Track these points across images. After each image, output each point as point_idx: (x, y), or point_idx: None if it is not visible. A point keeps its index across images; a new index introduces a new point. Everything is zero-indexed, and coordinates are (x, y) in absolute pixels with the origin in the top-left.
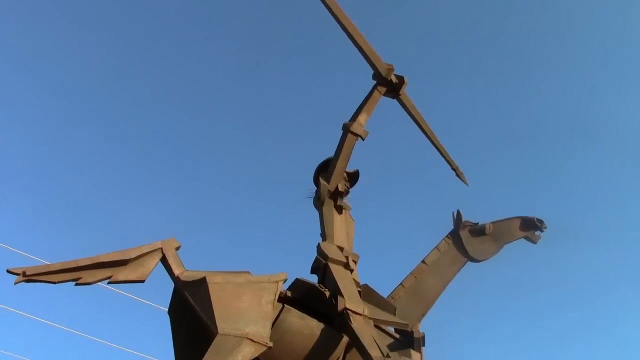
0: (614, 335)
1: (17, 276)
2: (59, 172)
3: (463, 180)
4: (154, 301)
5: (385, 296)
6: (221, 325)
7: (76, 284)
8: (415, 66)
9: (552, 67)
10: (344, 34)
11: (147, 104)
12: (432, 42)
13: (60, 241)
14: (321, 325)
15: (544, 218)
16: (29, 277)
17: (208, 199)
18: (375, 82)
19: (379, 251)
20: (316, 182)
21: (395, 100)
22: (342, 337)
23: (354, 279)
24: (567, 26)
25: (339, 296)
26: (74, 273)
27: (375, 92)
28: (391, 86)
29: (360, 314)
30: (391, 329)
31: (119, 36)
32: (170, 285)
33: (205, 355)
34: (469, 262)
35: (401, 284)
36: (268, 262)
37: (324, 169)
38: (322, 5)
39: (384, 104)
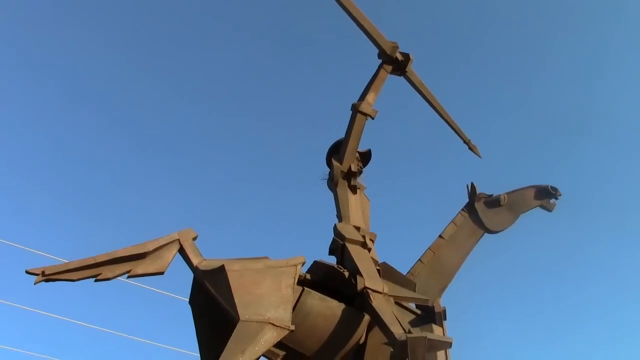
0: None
1: (37, 276)
2: (70, 171)
3: (476, 153)
4: (174, 292)
5: (404, 273)
6: (242, 311)
7: (96, 280)
8: (425, 42)
9: (564, 37)
10: (347, 15)
11: (155, 97)
12: (441, 17)
13: (77, 239)
14: (342, 306)
15: (558, 186)
16: (48, 277)
17: (222, 187)
18: (381, 61)
19: (396, 229)
20: (329, 164)
21: (402, 77)
22: (364, 316)
23: (372, 258)
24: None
25: (358, 276)
26: (93, 269)
27: (382, 71)
28: (397, 64)
29: (380, 292)
30: (412, 305)
31: (122, 31)
32: (190, 275)
33: (229, 342)
34: (486, 234)
35: (420, 259)
36: (286, 247)
37: (336, 151)
38: None
39: (392, 81)
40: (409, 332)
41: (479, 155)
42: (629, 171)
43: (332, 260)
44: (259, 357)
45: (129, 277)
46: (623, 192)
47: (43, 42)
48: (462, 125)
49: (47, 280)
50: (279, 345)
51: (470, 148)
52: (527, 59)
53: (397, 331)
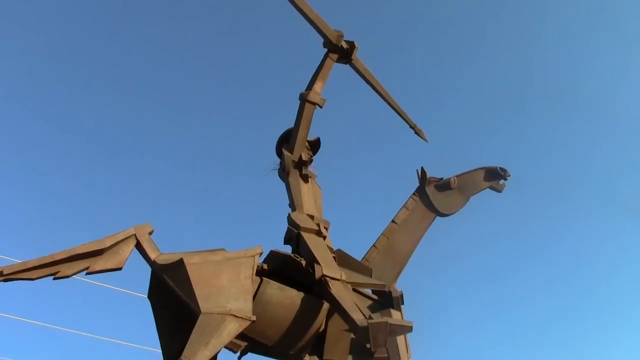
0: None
1: None
2: (19, 167)
3: (422, 137)
4: (132, 288)
5: (359, 259)
6: (203, 304)
7: (54, 278)
8: (365, 27)
9: (492, 16)
10: (292, 5)
11: (98, 83)
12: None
13: (31, 239)
14: (301, 295)
15: (506, 167)
16: (6, 276)
17: (173, 179)
18: (326, 50)
19: (349, 216)
20: (279, 153)
21: (348, 65)
22: (323, 304)
23: (327, 246)
24: None
25: (315, 264)
26: (52, 267)
27: (328, 60)
28: (342, 52)
29: (338, 279)
30: (368, 291)
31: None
32: (147, 271)
33: (191, 335)
34: (438, 217)
35: (374, 245)
36: (241, 238)
37: (286, 140)
38: None
39: (338, 69)
40: (370, 317)
41: (425, 139)
42: (572, 144)
43: (287, 250)
44: (222, 348)
45: (87, 274)
46: (568, 167)
47: None
48: (407, 110)
49: (5, 280)
50: (241, 336)
51: (416, 132)
52: (467, 39)
53: (358, 317)
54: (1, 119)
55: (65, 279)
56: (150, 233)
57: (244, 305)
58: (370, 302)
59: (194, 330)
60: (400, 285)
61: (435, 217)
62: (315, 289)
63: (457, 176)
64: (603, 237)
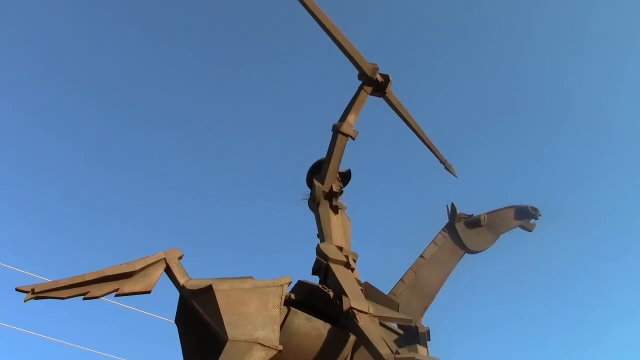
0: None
1: (27, 294)
2: (55, 191)
3: (452, 173)
4: (160, 313)
5: (386, 293)
6: (231, 331)
7: (84, 298)
8: (395, 63)
9: (532, 52)
10: (328, 36)
11: (137, 109)
12: (412, 38)
13: (64, 259)
14: (328, 326)
15: (537, 205)
16: (38, 294)
17: (204, 207)
18: (361, 82)
19: (377, 249)
20: (309, 184)
21: (382, 98)
22: (349, 336)
23: (355, 278)
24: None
25: (343, 296)
26: (82, 288)
27: (362, 92)
28: (377, 85)
29: (365, 312)
30: (394, 325)
31: (116, 37)
32: (175, 295)
33: None
34: (466, 254)
35: (401, 279)
36: (268, 267)
37: (317, 171)
38: (304, 9)
39: (371, 102)
40: (397, 352)
41: (454, 175)
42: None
43: (315, 280)
44: None
45: (116, 295)
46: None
47: None
48: (438, 144)
49: (36, 298)
50: None
51: (446, 168)
52: (501, 75)
53: (385, 352)
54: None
55: (94, 300)
56: (180, 258)
57: (271, 335)
58: (396, 336)
59: (220, 357)
60: (426, 322)
61: (464, 254)
62: (342, 321)
63: (487, 213)
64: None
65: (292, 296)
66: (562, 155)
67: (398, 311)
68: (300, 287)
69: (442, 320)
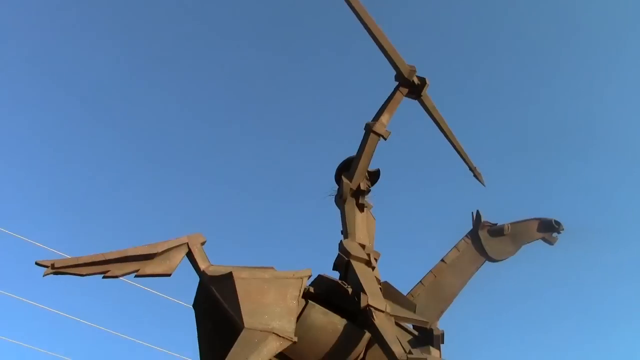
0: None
1: (46, 268)
2: (83, 170)
3: (480, 181)
4: (178, 297)
5: (404, 294)
6: (247, 319)
7: (104, 277)
8: (432, 67)
9: (562, 69)
10: (367, 34)
11: (166, 107)
12: (448, 45)
13: (87, 237)
14: (344, 322)
15: (560, 220)
16: (57, 270)
17: (232, 197)
18: (397, 83)
19: (399, 249)
20: (338, 180)
21: (416, 101)
22: (364, 333)
23: (375, 277)
24: (575, 28)
25: (361, 293)
26: (102, 266)
27: (398, 93)
28: (413, 87)
29: (382, 311)
30: (410, 326)
31: (125, 34)
32: (194, 282)
33: (232, 349)
34: (487, 262)
35: (421, 282)
36: (291, 259)
37: (346, 168)
38: (346, 5)
39: (406, 104)
40: (410, 352)
41: (483, 183)
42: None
43: (335, 276)
44: None
45: (136, 276)
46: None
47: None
48: (468, 153)
49: (55, 273)
50: (280, 355)
51: (475, 175)
52: (535, 83)
53: (398, 351)
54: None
55: (114, 279)
56: (203, 244)
57: (287, 325)
58: (410, 337)
59: (235, 344)
60: (442, 325)
61: (484, 262)
62: (358, 318)
63: (511, 223)
64: None
65: (311, 289)
66: (592, 173)
67: (415, 312)
68: (320, 281)
69: (458, 325)
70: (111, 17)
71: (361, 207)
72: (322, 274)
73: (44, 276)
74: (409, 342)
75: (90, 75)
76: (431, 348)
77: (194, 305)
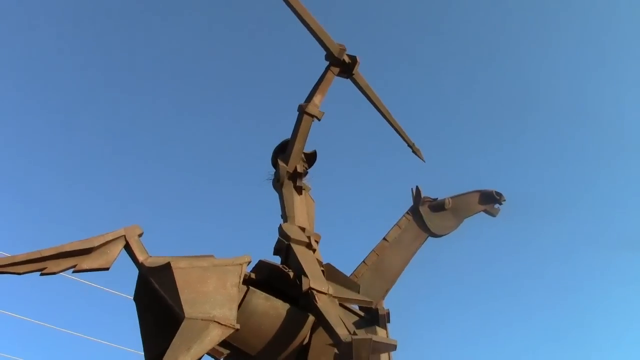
0: (574, 305)
1: None
2: (15, 162)
3: (419, 157)
4: (119, 289)
5: (348, 275)
6: (188, 309)
7: (41, 274)
8: (365, 43)
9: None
10: (295, 16)
11: (102, 82)
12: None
13: (21, 234)
14: (287, 306)
15: (502, 191)
16: None
17: (167, 183)
18: (328, 62)
19: (341, 231)
20: (274, 164)
21: (349, 80)
22: (308, 316)
23: (317, 259)
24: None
25: (303, 276)
26: (39, 263)
27: (329, 73)
28: (344, 66)
29: (325, 293)
30: (355, 307)
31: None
32: (134, 273)
33: (174, 340)
34: (430, 238)
35: (363, 262)
36: (230, 246)
37: (282, 151)
38: None
39: (338, 83)
40: (354, 333)
41: (422, 159)
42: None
43: (276, 260)
44: (204, 354)
45: (74, 272)
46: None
47: None
48: (407, 128)
49: None
50: (224, 343)
51: (414, 151)
52: (471, 55)
53: (342, 332)
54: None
55: (52, 276)
56: (140, 235)
57: (228, 313)
58: (356, 318)
59: (176, 335)
60: (387, 304)
61: (427, 237)
62: (301, 302)
63: (451, 197)
64: (594, 267)
65: (252, 275)
66: (533, 142)
67: (359, 293)
68: (261, 267)
69: (404, 304)
70: None
71: (299, 190)
72: (262, 259)
73: None
74: (355, 323)
75: None
76: (377, 328)
77: (134, 298)
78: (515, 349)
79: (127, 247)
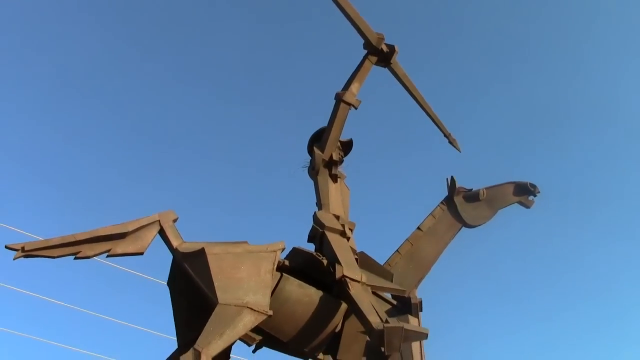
0: (609, 296)
1: (16, 251)
2: (52, 148)
3: (456, 147)
4: (153, 274)
5: (381, 263)
6: (221, 295)
7: (75, 258)
8: (406, 33)
9: (539, 36)
10: (333, 3)
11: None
12: (420, 11)
13: (57, 218)
14: (320, 293)
15: (536, 183)
16: (28, 252)
17: (204, 172)
18: (366, 51)
19: (375, 219)
20: (310, 152)
21: (387, 69)
22: (341, 304)
23: (350, 247)
24: None
25: (336, 264)
26: (73, 247)
27: (367, 62)
28: (382, 55)
29: (358, 281)
30: (388, 296)
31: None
32: (168, 258)
33: (207, 325)
34: (463, 228)
35: (397, 250)
36: (265, 232)
37: (318, 139)
38: None
39: (377, 72)
40: (386, 321)
41: (458, 150)
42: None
43: (310, 248)
44: (236, 340)
45: (108, 256)
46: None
47: None
48: (443, 118)
49: (26, 256)
50: (256, 330)
51: (450, 142)
52: (509, 50)
53: (374, 320)
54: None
55: (86, 260)
56: (175, 221)
57: (261, 299)
58: (389, 306)
59: (209, 320)
60: (420, 293)
61: (461, 228)
62: (334, 289)
63: (486, 188)
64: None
65: (286, 262)
66: (571, 135)
67: (392, 281)
68: (295, 254)
69: (437, 293)
70: None
71: (334, 178)
72: (296, 246)
73: (14, 259)
74: (387, 311)
75: None
76: (409, 317)
77: (168, 283)
78: (547, 341)
79: (162, 233)
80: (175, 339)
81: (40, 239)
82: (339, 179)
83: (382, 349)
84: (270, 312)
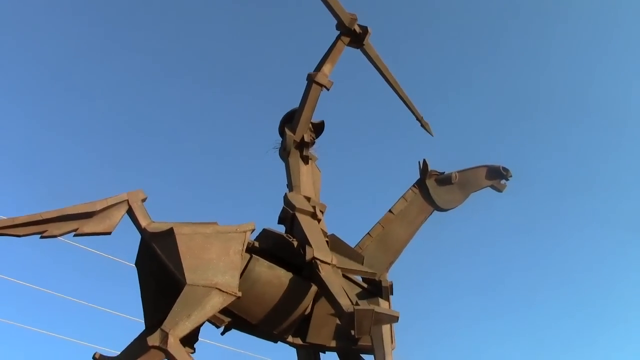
0: (579, 281)
1: None
2: (20, 124)
3: (428, 131)
4: (119, 254)
5: (352, 246)
6: (190, 275)
7: (41, 237)
8: (381, 15)
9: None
10: None
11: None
12: None
13: (23, 196)
14: (290, 275)
15: (509, 167)
16: None
17: (174, 150)
18: (339, 32)
19: (346, 201)
20: (281, 133)
21: (359, 50)
22: (311, 286)
23: (321, 229)
24: None
25: (307, 246)
26: (40, 226)
27: (339, 42)
28: (355, 36)
29: (328, 264)
30: (359, 278)
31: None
32: (137, 238)
33: (174, 306)
34: (435, 211)
35: (368, 233)
36: (235, 213)
37: (289, 120)
38: None
39: (349, 53)
40: (357, 304)
41: (431, 134)
42: (580, 149)
43: (281, 230)
44: (204, 321)
45: (75, 235)
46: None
47: None
48: (416, 103)
49: None
50: (225, 311)
51: (422, 125)
52: (484, 33)
53: (345, 303)
54: None
55: (52, 239)
56: (144, 200)
57: (230, 280)
58: (359, 289)
59: (177, 301)
60: (391, 277)
61: (432, 211)
62: (304, 271)
63: (458, 172)
64: (603, 250)
65: (256, 244)
66: (545, 118)
67: (362, 264)
68: (265, 235)
69: (408, 276)
70: None
71: (306, 160)
72: (267, 227)
73: None
74: (358, 294)
75: None
76: (380, 300)
77: (136, 264)
78: (521, 328)
79: (130, 212)
80: (143, 320)
81: (4, 217)
82: (310, 161)
83: (352, 332)
84: (239, 294)
